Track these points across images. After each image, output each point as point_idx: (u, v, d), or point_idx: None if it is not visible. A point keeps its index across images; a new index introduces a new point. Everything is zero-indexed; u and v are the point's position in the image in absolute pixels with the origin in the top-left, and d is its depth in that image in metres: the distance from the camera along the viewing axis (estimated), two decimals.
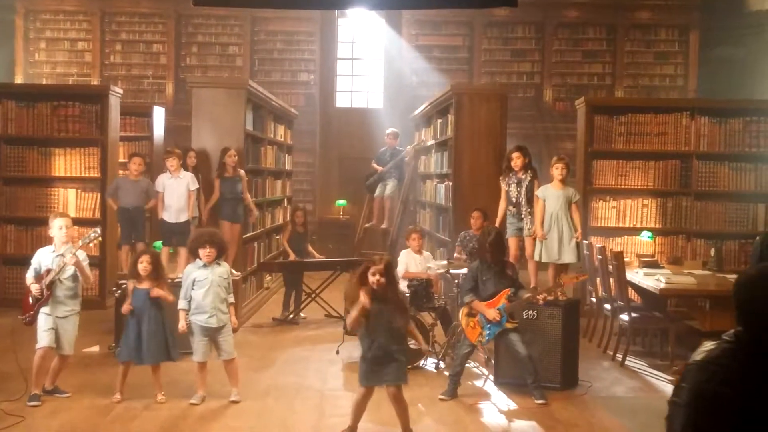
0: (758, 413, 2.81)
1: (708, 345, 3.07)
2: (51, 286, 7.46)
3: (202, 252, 7.70)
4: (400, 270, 9.46)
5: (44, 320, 7.50)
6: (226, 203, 11.53)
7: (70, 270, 7.53)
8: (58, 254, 7.54)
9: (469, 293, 8.01)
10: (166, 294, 7.71)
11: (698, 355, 3.06)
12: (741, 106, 12.31)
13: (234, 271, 7.91)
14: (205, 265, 7.72)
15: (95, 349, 9.50)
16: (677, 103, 14.36)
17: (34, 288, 7.47)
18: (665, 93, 18.57)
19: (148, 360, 7.61)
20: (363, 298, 6.42)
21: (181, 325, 7.70)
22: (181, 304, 7.73)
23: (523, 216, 10.03)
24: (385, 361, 6.48)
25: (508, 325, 7.85)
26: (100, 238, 8.31)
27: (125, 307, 7.69)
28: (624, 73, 18.83)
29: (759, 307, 2.97)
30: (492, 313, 7.82)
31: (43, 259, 7.60)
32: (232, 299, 7.88)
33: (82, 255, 7.63)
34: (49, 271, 7.47)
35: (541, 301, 8.23)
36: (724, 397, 2.87)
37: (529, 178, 10.00)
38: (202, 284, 7.68)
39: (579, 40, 19.08)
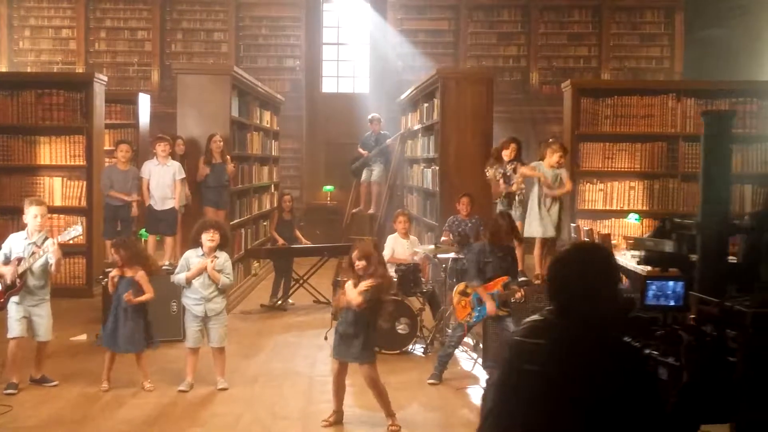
0: (566, 390, 2.80)
1: (526, 322, 3.08)
2: (23, 275, 7.40)
3: (205, 236, 7.66)
4: (385, 254, 9.47)
5: (15, 310, 7.45)
6: (210, 190, 11.50)
7: (41, 260, 7.46)
8: (30, 242, 7.47)
9: (476, 278, 7.96)
10: (148, 296, 7.66)
11: (514, 332, 3.08)
12: (727, 88, 12.32)
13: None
14: (203, 255, 7.69)
15: (83, 337, 9.48)
16: (663, 85, 14.37)
17: (3, 270, 7.38)
18: (651, 75, 18.57)
19: (125, 347, 7.57)
20: (353, 296, 6.55)
21: (189, 274, 7.66)
22: (179, 276, 7.69)
23: (512, 203, 10.18)
24: (352, 336, 6.59)
25: (500, 313, 7.86)
26: (81, 237, 8.26)
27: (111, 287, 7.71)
28: (610, 55, 18.81)
29: (572, 284, 2.99)
30: (491, 307, 7.81)
31: (14, 245, 7.52)
32: (225, 279, 7.77)
33: (54, 245, 7.58)
34: (20, 259, 7.40)
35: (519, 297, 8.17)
36: (532, 375, 2.87)
37: (513, 168, 10.19)
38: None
39: (565, 23, 19.05)
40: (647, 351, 2.56)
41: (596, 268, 3.01)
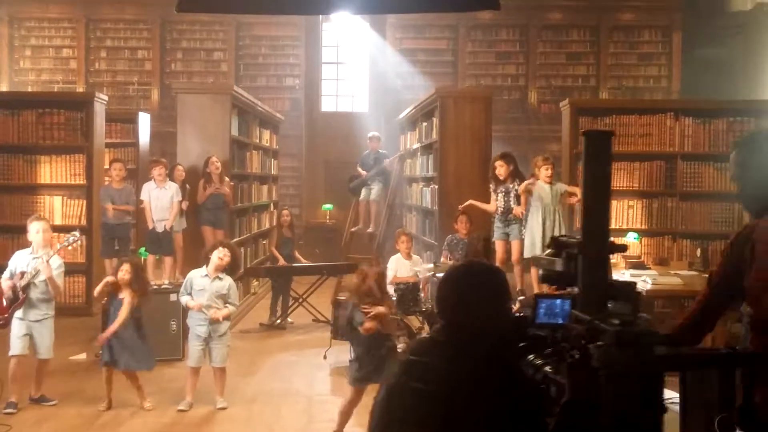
0: (449, 409, 2.80)
1: (418, 339, 3.10)
2: (26, 288, 7.44)
3: (217, 252, 7.68)
4: (388, 276, 9.48)
5: (18, 326, 7.48)
6: (207, 212, 11.62)
7: (43, 274, 7.50)
8: (35, 257, 7.52)
9: None
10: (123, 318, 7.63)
11: (404, 350, 3.11)
12: (725, 107, 12.34)
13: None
14: (206, 276, 7.72)
15: (82, 356, 9.47)
16: (661, 104, 14.42)
17: (5, 285, 7.44)
18: (649, 94, 18.63)
19: (122, 365, 7.56)
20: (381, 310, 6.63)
21: (194, 305, 7.69)
22: (183, 298, 7.74)
23: (509, 222, 10.24)
24: (384, 359, 6.58)
25: None
26: (78, 242, 8.28)
27: (98, 291, 7.69)
28: (608, 74, 18.89)
29: (459, 303, 3.02)
30: None
31: (19, 261, 7.60)
32: (231, 307, 7.81)
33: (57, 262, 7.62)
34: (23, 273, 7.45)
35: None
36: (416, 393, 2.87)
37: (516, 187, 10.23)
38: (197, 294, 7.69)
39: (563, 42, 19.13)
40: (547, 369, 2.58)
41: (483, 286, 3.04)
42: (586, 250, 2.42)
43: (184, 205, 11.53)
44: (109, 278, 7.71)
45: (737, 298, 3.59)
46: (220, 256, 7.67)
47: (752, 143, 3.45)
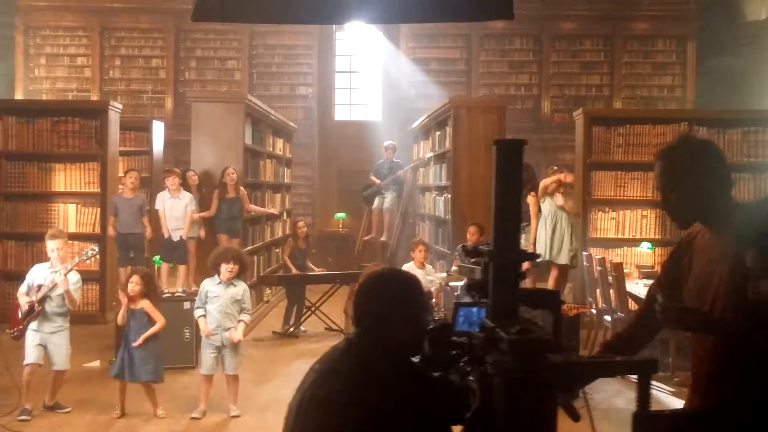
0: (363, 419, 2.79)
1: (331, 347, 3.11)
2: (42, 301, 7.47)
3: (224, 267, 7.69)
4: None
5: (32, 336, 7.51)
6: (222, 222, 11.67)
7: (60, 288, 7.53)
8: (54, 270, 7.56)
9: None
10: (154, 330, 7.66)
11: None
12: (739, 117, 12.31)
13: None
14: (220, 283, 7.73)
15: (96, 364, 9.49)
16: (675, 114, 14.39)
17: (23, 300, 7.49)
18: (663, 104, 18.60)
19: (132, 377, 7.56)
20: None
21: (203, 328, 7.70)
22: (198, 312, 7.76)
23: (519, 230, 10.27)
24: None
25: None
26: (97, 256, 8.29)
27: (120, 318, 7.69)
28: (622, 84, 18.87)
29: (371, 310, 3.02)
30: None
31: (37, 275, 7.63)
32: (243, 317, 7.84)
33: (75, 277, 7.64)
34: (40, 287, 7.50)
35: None
36: (326, 402, 2.87)
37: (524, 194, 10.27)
38: (211, 301, 7.69)
39: (576, 51, 19.13)
40: (470, 377, 2.60)
41: (397, 294, 3.03)
42: (495, 257, 2.42)
43: (196, 215, 11.58)
44: (123, 299, 7.72)
45: None
46: (230, 269, 7.69)
47: (676, 152, 3.44)
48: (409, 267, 10.17)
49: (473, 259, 2.69)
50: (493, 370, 2.35)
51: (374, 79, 20.19)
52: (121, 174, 12.97)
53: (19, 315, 7.51)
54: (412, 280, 3.17)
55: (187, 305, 8.96)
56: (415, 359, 2.99)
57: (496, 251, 2.43)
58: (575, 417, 2.59)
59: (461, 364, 2.70)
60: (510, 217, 2.46)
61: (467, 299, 2.92)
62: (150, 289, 7.75)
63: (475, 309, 2.82)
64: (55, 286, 7.48)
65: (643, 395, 2.70)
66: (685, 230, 3.54)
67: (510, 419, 2.31)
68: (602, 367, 2.74)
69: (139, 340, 7.49)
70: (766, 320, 2.87)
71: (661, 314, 3.18)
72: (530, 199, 10.41)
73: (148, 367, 7.52)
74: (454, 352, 2.78)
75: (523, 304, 2.82)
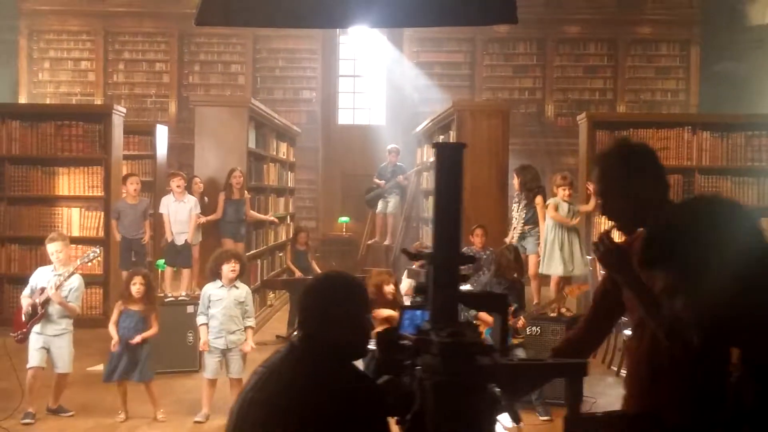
0: (301, 421, 2.79)
1: (275, 350, 3.12)
2: (45, 304, 7.48)
3: (226, 267, 7.68)
4: (403, 287, 9.47)
5: (35, 339, 7.53)
6: (228, 225, 11.66)
7: (64, 291, 7.54)
8: (56, 273, 7.57)
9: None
10: (151, 333, 7.68)
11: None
12: (742, 121, 12.31)
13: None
14: (222, 286, 7.72)
15: (99, 368, 9.46)
16: (679, 118, 14.38)
17: (25, 303, 7.50)
18: (667, 108, 18.58)
19: (118, 376, 7.56)
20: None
21: (202, 342, 7.70)
22: (200, 319, 7.74)
23: (525, 235, 10.25)
24: None
25: (514, 341, 7.87)
26: (99, 258, 8.30)
27: (113, 339, 7.66)
28: (625, 88, 18.85)
29: (316, 313, 3.02)
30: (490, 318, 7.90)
31: (40, 278, 7.64)
32: (250, 322, 7.84)
33: (77, 281, 7.64)
34: (43, 289, 7.50)
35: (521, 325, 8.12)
36: (265, 404, 2.87)
37: (526, 199, 10.29)
38: (215, 304, 7.68)
39: (580, 55, 19.12)
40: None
41: (339, 298, 3.04)
42: (435, 260, 2.43)
43: (202, 219, 11.58)
44: (118, 305, 7.76)
45: (620, 311, 3.62)
46: (232, 269, 7.68)
47: (610, 158, 3.45)
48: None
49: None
50: (423, 372, 2.36)
51: (378, 83, 20.19)
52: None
53: (23, 318, 7.52)
54: (354, 283, 3.18)
55: (190, 309, 8.96)
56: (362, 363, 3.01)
57: (435, 254, 2.44)
58: (515, 419, 2.59)
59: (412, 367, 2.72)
60: (450, 220, 2.47)
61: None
62: (150, 293, 7.76)
63: (419, 312, 2.84)
64: (60, 286, 7.49)
65: (574, 398, 2.71)
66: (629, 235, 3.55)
67: (439, 421, 2.32)
68: (532, 369, 2.73)
69: (138, 338, 7.49)
70: (682, 335, 2.86)
71: (599, 251, 3.21)
72: (539, 200, 10.38)
73: (129, 368, 7.53)
74: (401, 355, 2.79)
75: (470, 307, 2.85)
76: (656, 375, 3.19)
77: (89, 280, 10.80)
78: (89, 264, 8.30)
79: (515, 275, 8.30)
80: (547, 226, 10.18)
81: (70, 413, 7.69)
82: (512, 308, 7.94)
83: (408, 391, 2.60)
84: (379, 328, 6.74)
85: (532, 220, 10.55)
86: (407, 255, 2.81)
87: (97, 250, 8.08)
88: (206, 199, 11.79)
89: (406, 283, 9.89)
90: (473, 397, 2.30)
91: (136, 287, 7.63)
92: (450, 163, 2.46)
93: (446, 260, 2.43)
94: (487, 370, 2.35)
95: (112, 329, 7.63)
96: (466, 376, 2.28)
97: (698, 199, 2.74)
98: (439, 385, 2.31)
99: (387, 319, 6.76)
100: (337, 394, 2.84)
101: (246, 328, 7.77)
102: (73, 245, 11.45)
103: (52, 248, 7.64)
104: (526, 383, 2.78)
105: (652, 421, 3.10)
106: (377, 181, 16.27)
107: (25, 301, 7.55)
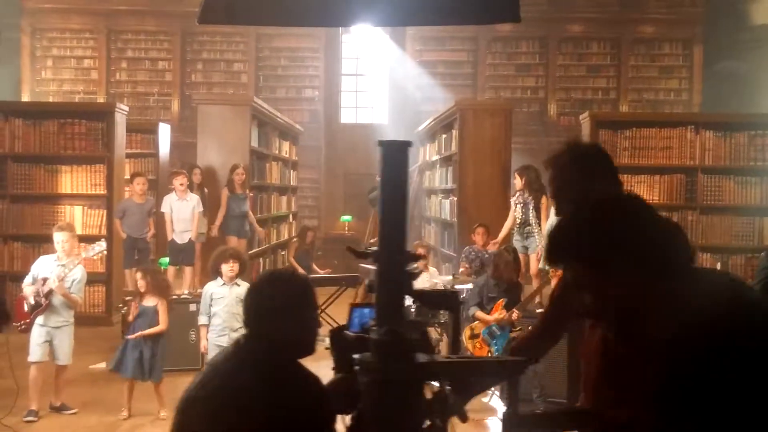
0: (244, 414, 2.79)
1: (222, 349, 3.11)
2: (49, 295, 7.48)
3: (225, 267, 7.69)
4: None
5: (37, 333, 7.52)
6: (233, 220, 11.71)
7: (67, 282, 7.54)
8: (60, 264, 7.56)
9: (474, 306, 8.07)
10: (156, 330, 7.66)
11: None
12: (746, 120, 12.28)
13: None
14: (224, 284, 7.73)
15: (102, 365, 9.48)
16: (682, 117, 14.35)
17: (28, 291, 7.49)
18: (670, 107, 18.58)
19: (128, 373, 7.57)
20: None
21: (203, 344, 7.72)
22: (201, 319, 7.75)
23: (528, 234, 10.25)
24: None
25: (513, 334, 7.88)
26: (105, 252, 8.29)
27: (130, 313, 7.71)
28: (628, 87, 18.85)
29: (261, 311, 3.02)
30: (496, 315, 7.91)
31: (42, 267, 7.63)
32: None
33: (80, 273, 7.64)
34: (45, 279, 7.49)
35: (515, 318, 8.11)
36: (206, 402, 2.87)
37: (531, 198, 10.26)
38: (217, 302, 7.68)
39: (583, 54, 19.11)
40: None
41: (281, 295, 3.04)
42: (380, 258, 2.43)
43: (214, 231, 11.64)
44: (132, 301, 7.79)
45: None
46: (231, 269, 7.69)
47: (562, 159, 3.45)
48: None
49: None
50: (360, 370, 2.37)
51: (380, 82, 20.19)
52: (128, 176, 13.01)
53: (25, 308, 7.51)
54: (298, 280, 3.19)
55: (192, 307, 8.95)
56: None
57: (380, 252, 2.44)
58: (463, 418, 2.60)
59: None
60: (395, 219, 2.47)
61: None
62: (159, 286, 7.76)
63: (367, 310, 2.84)
64: (64, 277, 7.50)
65: (512, 395, 2.69)
66: None
67: (375, 419, 2.33)
68: (470, 367, 2.73)
69: (134, 335, 7.50)
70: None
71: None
72: (545, 201, 10.39)
73: (150, 368, 7.54)
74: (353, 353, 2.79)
75: (422, 304, 2.86)
76: (602, 374, 3.19)
77: (92, 278, 10.80)
78: (95, 258, 8.30)
79: (513, 277, 8.30)
80: (549, 224, 10.18)
81: (73, 410, 7.69)
82: (503, 302, 7.97)
83: (358, 389, 2.61)
84: None
85: (535, 220, 10.56)
86: (353, 253, 2.82)
87: (103, 243, 8.06)
88: (206, 190, 11.81)
89: None
90: (409, 394, 2.30)
91: (139, 282, 7.65)
92: (395, 161, 2.45)
93: (391, 259, 2.42)
94: (422, 368, 2.34)
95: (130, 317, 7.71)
96: (401, 374, 2.28)
97: (604, 197, 2.74)
98: (374, 383, 2.31)
99: None
100: (279, 392, 2.84)
101: None
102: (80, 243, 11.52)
103: (60, 237, 7.63)
104: (476, 382, 2.77)
105: (592, 418, 3.09)
106: (379, 180, 16.27)
107: (28, 289, 7.54)
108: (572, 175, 3.36)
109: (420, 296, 2.85)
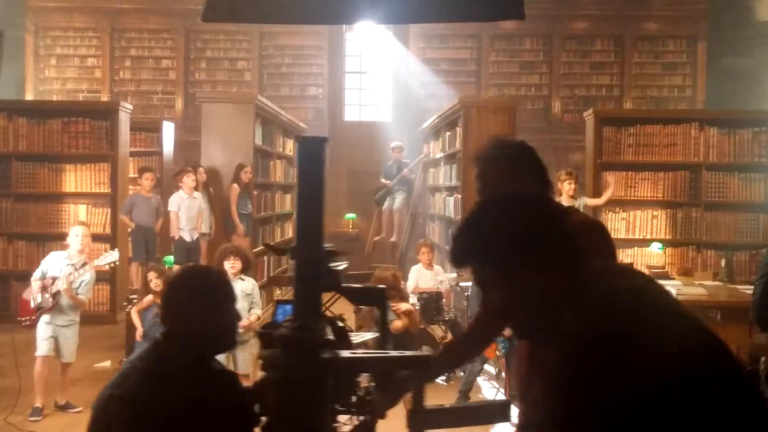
0: (156, 413, 2.78)
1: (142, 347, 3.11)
2: (56, 295, 7.49)
3: (226, 264, 7.71)
4: (409, 285, 9.50)
5: (44, 329, 7.55)
6: (241, 217, 11.71)
7: (75, 283, 7.55)
8: (70, 263, 7.58)
9: (478, 307, 8.07)
10: None
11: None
12: (750, 117, 12.28)
13: None
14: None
15: (107, 364, 9.52)
16: (686, 114, 14.33)
17: (35, 286, 7.50)
18: (674, 104, 18.55)
19: None
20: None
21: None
22: None
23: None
24: None
25: None
26: (117, 263, 8.29)
27: (138, 334, 7.75)
28: (632, 84, 18.82)
29: (178, 308, 3.01)
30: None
31: (52, 264, 7.64)
32: (257, 311, 7.86)
33: (89, 276, 7.66)
34: (54, 279, 7.50)
35: None
36: (119, 401, 2.85)
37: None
38: None
39: (587, 51, 19.08)
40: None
41: (195, 291, 3.03)
42: (297, 254, 2.43)
43: (241, 231, 11.63)
44: (144, 302, 7.82)
45: None
46: (232, 265, 7.70)
47: (489, 157, 3.43)
48: (417, 268, 10.18)
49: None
50: (265, 366, 2.37)
51: (384, 80, 20.18)
52: (132, 174, 13.03)
53: (32, 304, 7.53)
54: (215, 277, 3.17)
55: None
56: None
57: (297, 248, 2.44)
58: (381, 414, 2.60)
59: None
60: (312, 215, 2.46)
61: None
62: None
63: (289, 306, 2.85)
64: (68, 278, 7.51)
65: (417, 391, 2.68)
66: None
67: (279, 415, 2.33)
68: (376, 363, 2.72)
69: (138, 335, 7.54)
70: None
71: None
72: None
73: None
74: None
75: (350, 301, 2.86)
76: (528, 371, 3.20)
77: (97, 277, 10.83)
78: (107, 267, 8.32)
79: None
80: None
81: (78, 409, 7.70)
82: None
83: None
84: (399, 321, 6.86)
85: None
86: (272, 250, 2.83)
87: (116, 254, 8.03)
88: (212, 189, 11.83)
89: (413, 282, 9.89)
90: (315, 391, 2.30)
91: (153, 282, 7.68)
92: (312, 156, 2.45)
93: (308, 254, 2.42)
94: (325, 363, 2.33)
95: (134, 316, 7.73)
96: (304, 370, 2.27)
97: (502, 196, 2.72)
98: (278, 379, 2.31)
99: (406, 313, 6.84)
100: (190, 390, 2.83)
101: (251, 314, 7.76)
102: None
103: (78, 230, 7.66)
104: (398, 380, 2.76)
105: (500, 409, 3.09)
106: (384, 181, 16.28)
107: (35, 284, 7.55)
108: (498, 173, 3.34)
109: (345, 292, 2.87)
